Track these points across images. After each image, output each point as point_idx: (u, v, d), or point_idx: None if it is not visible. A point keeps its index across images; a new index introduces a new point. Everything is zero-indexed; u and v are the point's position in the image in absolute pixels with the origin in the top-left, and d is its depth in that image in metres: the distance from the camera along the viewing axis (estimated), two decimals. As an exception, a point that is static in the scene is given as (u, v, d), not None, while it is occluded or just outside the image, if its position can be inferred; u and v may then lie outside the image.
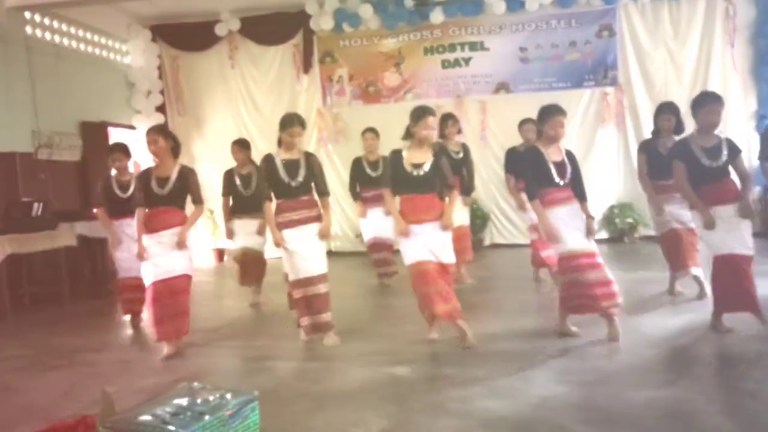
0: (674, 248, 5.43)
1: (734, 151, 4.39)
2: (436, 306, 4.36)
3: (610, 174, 9.52)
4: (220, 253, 10.12)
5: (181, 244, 4.80)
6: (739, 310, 4.37)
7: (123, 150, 5.97)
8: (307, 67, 9.98)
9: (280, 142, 4.84)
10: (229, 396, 2.77)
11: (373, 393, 3.65)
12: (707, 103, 4.40)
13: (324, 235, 4.76)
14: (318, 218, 4.80)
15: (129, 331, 5.74)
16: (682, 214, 5.23)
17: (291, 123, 4.73)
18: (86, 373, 4.44)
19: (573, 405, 3.28)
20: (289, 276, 4.82)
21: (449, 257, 4.49)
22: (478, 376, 3.80)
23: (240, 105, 10.26)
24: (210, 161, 9.79)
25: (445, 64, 9.75)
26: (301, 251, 4.69)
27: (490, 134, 9.56)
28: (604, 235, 9.52)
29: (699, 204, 4.37)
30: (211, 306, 6.74)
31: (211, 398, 2.75)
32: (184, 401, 2.73)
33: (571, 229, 4.39)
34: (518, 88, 9.54)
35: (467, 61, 9.69)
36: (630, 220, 9.18)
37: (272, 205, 4.75)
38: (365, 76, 9.95)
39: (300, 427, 3.21)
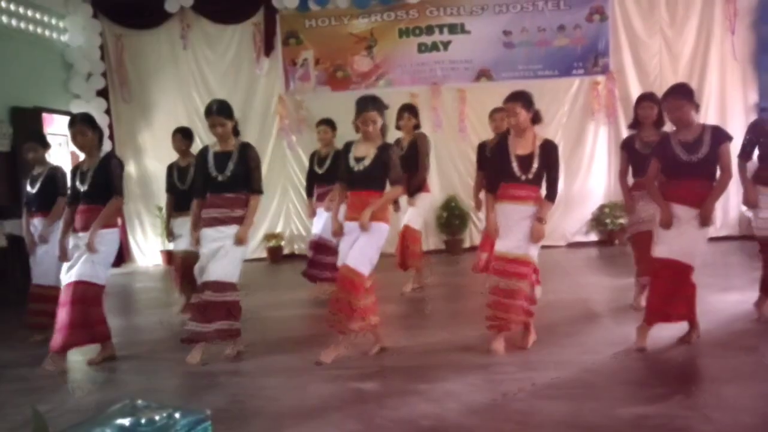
0: (645, 251, 5.42)
1: (718, 138, 4.39)
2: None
3: (600, 171, 9.67)
4: (169, 255, 10.03)
5: (89, 246, 4.75)
6: (674, 320, 4.51)
7: (37, 139, 5.89)
8: (268, 49, 9.92)
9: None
10: (177, 415, 2.74)
11: (337, 410, 3.66)
12: (667, 98, 4.49)
13: (239, 240, 4.68)
14: (240, 220, 4.73)
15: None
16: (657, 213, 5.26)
17: (209, 112, 4.72)
18: (16, 390, 4.37)
19: (558, 422, 3.33)
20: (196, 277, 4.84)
21: (353, 259, 4.47)
22: (453, 390, 3.83)
23: (192, 90, 10.16)
24: (158, 152, 9.69)
25: (422, 48, 9.79)
26: (211, 253, 4.68)
27: (469, 125, 9.61)
28: (593, 237, 9.68)
29: (660, 200, 4.50)
30: (156, 314, 6.67)
31: (157, 418, 2.71)
32: (126, 421, 2.69)
33: (511, 230, 4.48)
34: (501, 76, 9.62)
35: (446, 45, 9.75)
36: (621, 221, 9.31)
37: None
38: (333, 60, 9.94)
39: (256, 449, 3.21)
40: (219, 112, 4.70)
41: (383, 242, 4.60)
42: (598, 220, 9.63)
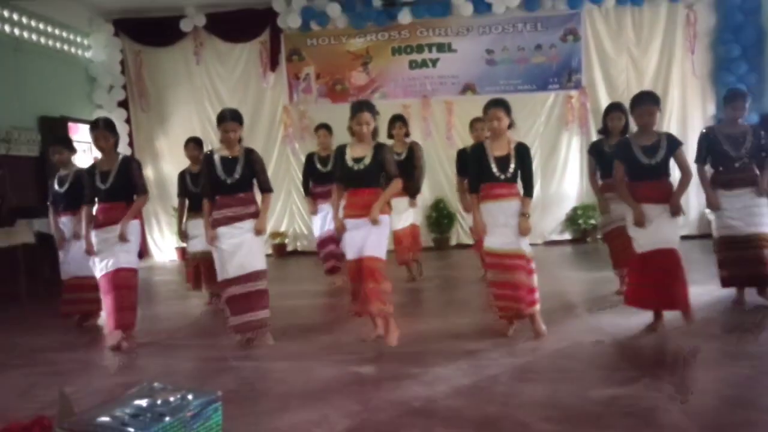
0: (619, 245, 5.36)
1: (673, 144, 4.44)
2: (354, 304, 4.52)
3: (573, 176, 9.69)
4: (184, 251, 9.96)
5: (122, 236, 4.82)
6: (670, 308, 4.45)
7: (64, 142, 5.83)
8: (273, 64, 9.90)
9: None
10: (190, 396, 2.71)
11: (338, 392, 3.63)
12: (640, 104, 4.48)
13: (258, 230, 4.69)
14: (254, 215, 4.72)
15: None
16: (627, 213, 5.24)
17: (223, 118, 4.69)
18: (45, 373, 4.33)
19: (536, 403, 3.31)
20: (218, 275, 4.75)
21: (372, 250, 4.38)
22: (442, 375, 3.81)
23: (205, 102, 10.13)
24: (173, 158, 9.64)
25: (413, 65, 9.78)
26: (233, 249, 4.63)
27: (456, 134, 9.60)
28: (567, 235, 9.69)
29: (631, 201, 4.49)
30: (173, 305, 6.63)
31: (171, 399, 2.68)
32: (143, 402, 2.67)
33: (499, 227, 4.45)
34: (484, 90, 9.60)
35: (434, 62, 9.74)
36: (593, 221, 9.32)
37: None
38: (332, 75, 9.92)
39: (263, 428, 3.17)
40: (233, 118, 4.68)
41: (388, 231, 4.59)
42: (571, 220, 9.64)
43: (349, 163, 4.46)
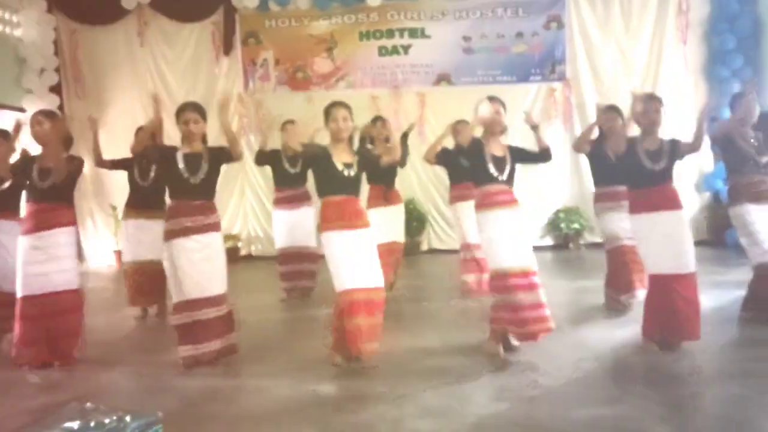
0: (620, 265, 5.53)
1: (676, 150, 4.54)
2: (362, 343, 4.22)
3: (556, 176, 9.77)
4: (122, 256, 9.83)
5: None
6: (682, 339, 4.45)
7: None
8: (227, 48, 9.83)
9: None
10: (128, 418, 2.68)
11: (294, 414, 3.61)
12: (651, 102, 4.61)
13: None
14: (216, 226, 4.59)
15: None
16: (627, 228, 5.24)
17: (184, 108, 4.59)
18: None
19: (512, 424, 3.34)
20: (173, 295, 4.56)
21: (379, 277, 4.35)
22: (410, 393, 3.82)
23: (149, 88, 9.96)
24: (113, 150, 9.40)
25: (382, 51, 9.80)
26: (191, 267, 4.43)
27: (429, 129, 9.62)
28: (548, 241, 9.79)
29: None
30: (108, 316, 6.51)
31: (106, 421, 2.65)
32: (74, 424, 2.62)
33: (512, 237, 4.43)
34: (460, 81, 9.70)
35: (406, 48, 9.77)
36: (576, 225, 9.44)
37: None
38: (293, 61, 9.89)
39: (210, 453, 3.14)
40: (196, 109, 4.60)
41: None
42: (553, 224, 9.74)
43: (339, 167, 4.37)
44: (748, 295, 5.07)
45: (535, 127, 4.67)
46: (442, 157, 6.41)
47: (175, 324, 4.48)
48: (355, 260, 4.26)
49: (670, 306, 4.38)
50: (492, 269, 4.51)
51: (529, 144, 4.83)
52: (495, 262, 4.45)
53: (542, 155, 4.73)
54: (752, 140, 5.00)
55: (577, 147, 5.65)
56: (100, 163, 6.07)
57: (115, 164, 6.24)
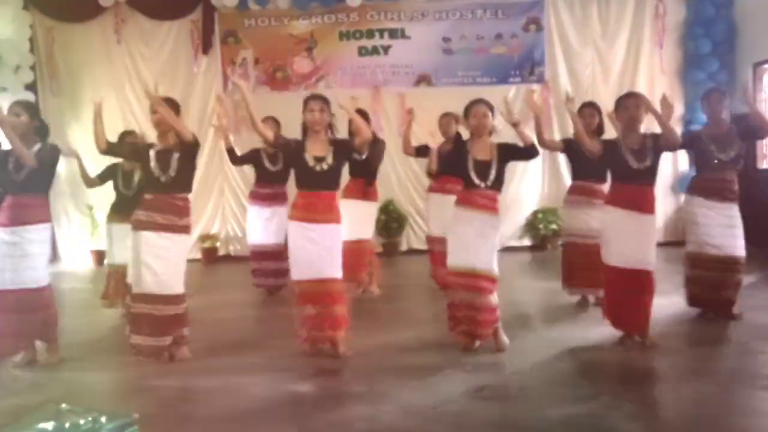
0: (574, 261, 5.70)
1: (657, 144, 4.58)
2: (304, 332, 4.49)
3: (533, 177, 9.87)
4: (99, 256, 9.73)
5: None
6: (627, 330, 4.60)
7: None
8: (206, 47, 9.78)
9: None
10: (103, 419, 2.67)
11: (271, 413, 3.62)
12: (631, 98, 4.68)
13: None
14: (186, 229, 4.59)
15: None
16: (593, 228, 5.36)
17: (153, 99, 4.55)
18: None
19: (490, 423, 3.37)
20: (132, 286, 4.61)
21: (337, 269, 4.46)
22: (387, 392, 3.84)
23: (126, 87, 9.90)
24: (88, 149, 9.36)
25: (362, 52, 9.81)
26: (151, 260, 4.44)
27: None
28: (526, 242, 9.86)
29: (584, 138, 4.78)
30: (84, 316, 6.45)
31: (81, 422, 2.64)
32: (49, 426, 2.61)
33: (471, 240, 4.47)
34: (440, 81, 9.74)
35: (386, 49, 9.80)
36: (554, 226, 9.51)
37: None
38: (273, 60, 9.87)
39: (186, 453, 3.14)
40: (166, 99, 4.58)
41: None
42: (531, 225, 9.82)
43: (310, 162, 4.42)
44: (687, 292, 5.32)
45: (515, 125, 4.65)
46: (423, 150, 6.43)
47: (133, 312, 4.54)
48: (307, 254, 4.40)
49: (626, 299, 4.51)
50: (448, 266, 4.60)
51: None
52: (452, 258, 4.55)
53: (530, 150, 4.70)
54: (715, 142, 5.11)
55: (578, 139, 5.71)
56: (105, 149, 5.99)
57: (111, 147, 6.16)
